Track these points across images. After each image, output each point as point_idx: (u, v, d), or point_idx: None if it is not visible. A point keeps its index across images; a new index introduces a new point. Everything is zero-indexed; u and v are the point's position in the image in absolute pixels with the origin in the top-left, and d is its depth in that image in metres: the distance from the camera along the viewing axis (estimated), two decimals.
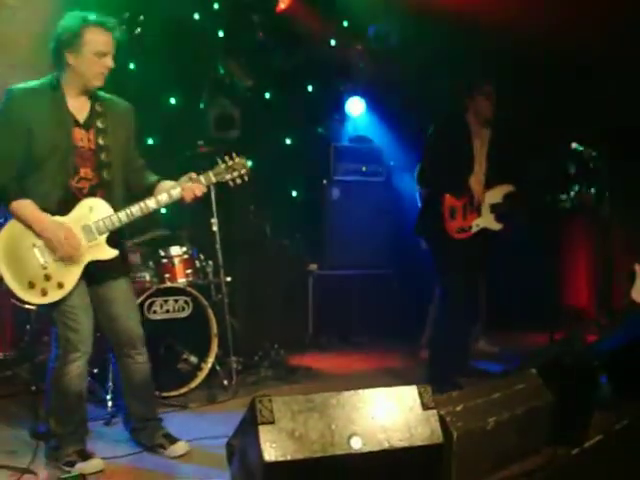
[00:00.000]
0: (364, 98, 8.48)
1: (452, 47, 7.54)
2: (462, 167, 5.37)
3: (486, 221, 5.45)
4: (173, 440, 4.05)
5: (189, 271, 5.54)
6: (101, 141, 3.83)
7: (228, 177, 4.03)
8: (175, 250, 5.57)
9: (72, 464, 3.72)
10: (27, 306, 3.64)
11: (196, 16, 7.36)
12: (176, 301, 5.31)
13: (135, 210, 3.81)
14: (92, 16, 3.70)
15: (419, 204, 6.12)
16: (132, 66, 6.66)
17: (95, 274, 3.81)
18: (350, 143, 8.27)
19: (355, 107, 8.49)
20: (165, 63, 6.92)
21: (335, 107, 8.43)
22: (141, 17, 6.65)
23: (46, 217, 3.63)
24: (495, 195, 5.49)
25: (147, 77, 6.70)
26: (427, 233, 5.48)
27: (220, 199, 5.61)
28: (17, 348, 5.50)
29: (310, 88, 8.18)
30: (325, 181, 7.99)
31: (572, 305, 8.44)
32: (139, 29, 6.67)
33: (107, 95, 3.96)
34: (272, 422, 2.93)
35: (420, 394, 3.22)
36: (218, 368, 5.51)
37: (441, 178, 5.33)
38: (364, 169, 8.14)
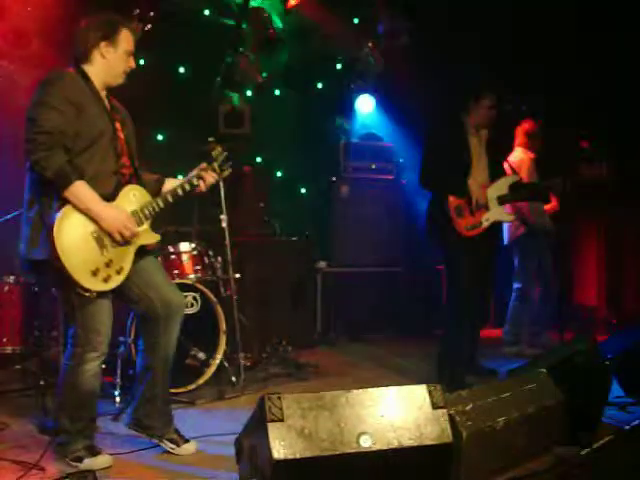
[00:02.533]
0: (374, 96, 8.46)
1: (461, 46, 7.53)
2: (460, 167, 5.36)
3: (496, 214, 5.43)
4: (186, 440, 4.01)
5: (198, 267, 5.53)
6: (126, 132, 3.91)
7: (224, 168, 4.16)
8: (184, 246, 5.56)
9: (80, 460, 3.71)
10: (87, 294, 3.54)
11: (206, 12, 7.37)
12: (185, 297, 5.29)
13: (170, 197, 3.91)
14: (116, 17, 3.87)
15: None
16: (142, 62, 6.66)
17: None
18: (359, 140, 8.27)
19: (365, 104, 8.48)
20: (175, 59, 6.92)
21: (345, 104, 8.42)
22: (152, 13, 6.65)
23: (101, 200, 3.62)
24: (500, 187, 5.48)
25: (157, 73, 6.71)
26: (436, 234, 5.46)
27: (229, 196, 5.61)
28: (26, 343, 5.51)
29: (320, 85, 8.17)
30: (334, 178, 7.99)
31: (582, 304, 8.42)
32: (150, 25, 6.67)
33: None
34: (281, 420, 2.92)
35: (430, 393, 3.21)
36: (226, 365, 5.50)
37: (442, 179, 5.32)
38: (373, 166, 8.15)
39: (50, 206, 3.57)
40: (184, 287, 5.32)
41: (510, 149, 6.78)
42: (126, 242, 3.68)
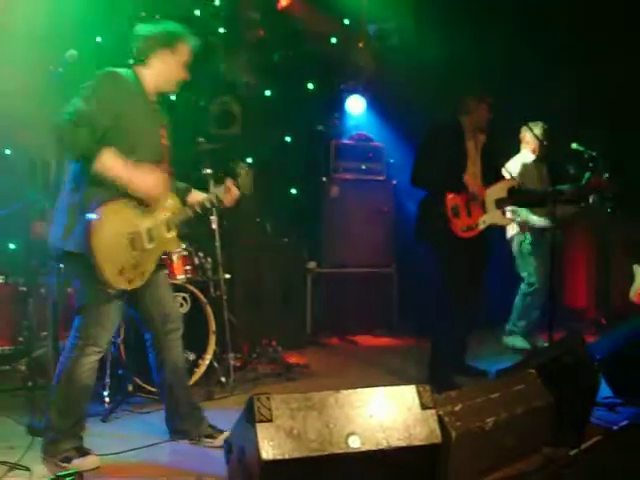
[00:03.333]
0: (364, 96, 8.46)
1: (455, 46, 7.54)
2: (456, 167, 5.37)
3: (493, 217, 5.45)
4: (220, 430, 4.13)
5: (188, 268, 5.52)
6: (169, 140, 4.04)
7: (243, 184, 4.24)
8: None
9: (69, 460, 3.71)
10: (110, 290, 3.66)
11: (197, 12, 7.35)
12: (174, 297, 5.29)
13: (198, 208, 4.05)
14: (184, 28, 4.00)
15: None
16: (132, 62, 6.64)
17: None
18: (350, 141, 8.26)
19: (355, 105, 8.47)
20: None
21: (335, 105, 8.42)
22: (142, 14, 6.64)
23: (130, 166, 3.67)
24: (499, 190, 5.49)
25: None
26: (430, 236, 5.45)
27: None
28: (15, 343, 5.49)
29: (311, 86, 8.17)
30: (325, 179, 7.99)
31: (571, 305, 8.43)
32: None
33: None
34: (270, 420, 2.92)
35: (419, 393, 3.22)
36: (216, 365, 5.50)
37: (439, 179, 5.32)
38: (364, 167, 8.15)
39: (90, 201, 3.63)
40: (174, 287, 5.30)
41: (506, 154, 6.78)
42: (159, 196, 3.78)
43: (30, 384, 4.98)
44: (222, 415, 4.48)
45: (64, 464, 3.70)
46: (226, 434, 4.00)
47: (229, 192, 4.13)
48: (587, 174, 6.17)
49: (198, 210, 4.04)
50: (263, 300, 7.11)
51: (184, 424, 4.18)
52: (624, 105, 7.48)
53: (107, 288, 3.65)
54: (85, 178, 3.66)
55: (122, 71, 3.85)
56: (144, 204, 3.80)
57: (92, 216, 3.57)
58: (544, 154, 6.81)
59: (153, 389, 4.95)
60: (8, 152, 6.22)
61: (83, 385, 3.80)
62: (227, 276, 5.73)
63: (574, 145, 6.29)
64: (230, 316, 5.66)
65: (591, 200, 6.86)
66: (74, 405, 3.82)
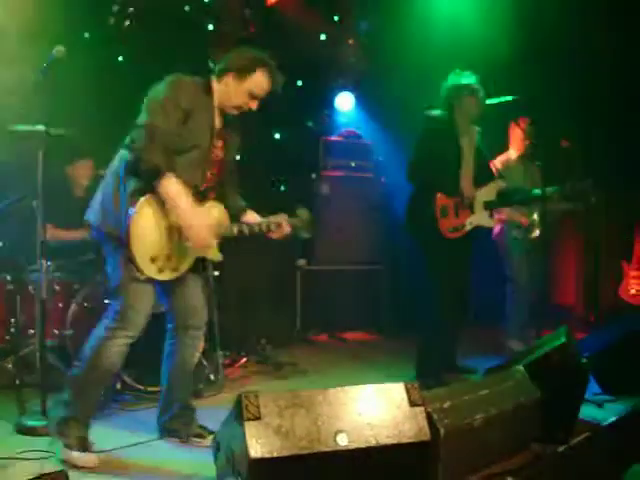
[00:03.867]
0: (354, 93, 8.46)
1: (443, 43, 7.53)
2: (451, 166, 5.36)
3: (479, 218, 5.45)
4: (210, 431, 4.12)
5: None
6: (227, 153, 4.10)
7: (299, 225, 4.29)
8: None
9: (70, 448, 3.74)
10: (138, 275, 3.70)
11: (186, 8, 7.32)
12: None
13: (244, 229, 4.07)
14: (269, 59, 3.99)
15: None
16: (121, 59, 6.62)
17: None
18: (339, 138, 8.25)
19: (345, 102, 8.47)
20: (154, 56, 6.87)
21: (325, 102, 8.41)
22: (130, 9, 6.61)
23: (190, 200, 3.73)
24: (488, 192, 5.50)
25: (136, 70, 6.66)
26: (417, 231, 5.46)
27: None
28: (2, 341, 5.45)
29: (300, 82, 8.15)
30: (314, 176, 7.98)
31: (560, 303, 8.46)
32: (128, 22, 6.64)
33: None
34: (258, 418, 2.91)
35: (407, 391, 3.22)
36: (205, 363, 5.48)
37: (432, 177, 5.31)
38: (353, 164, 8.15)
39: (136, 191, 3.68)
40: None
41: (497, 150, 6.78)
42: (201, 245, 3.80)
43: (17, 382, 4.96)
44: (211, 413, 4.46)
45: (65, 450, 3.74)
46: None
47: (280, 227, 4.15)
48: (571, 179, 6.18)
49: (245, 231, 4.06)
50: (252, 297, 7.10)
51: (174, 423, 4.19)
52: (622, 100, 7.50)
53: (137, 272, 3.70)
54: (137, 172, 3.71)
55: (190, 79, 3.90)
56: (195, 202, 3.85)
57: (137, 204, 3.65)
58: (530, 152, 6.81)
59: (141, 387, 4.94)
60: None
61: (108, 367, 3.81)
62: (216, 273, 5.72)
63: (564, 144, 6.29)
64: (219, 314, 5.65)
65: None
66: (95, 386, 3.86)
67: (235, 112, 4.01)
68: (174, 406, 4.20)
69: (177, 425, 4.18)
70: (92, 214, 3.85)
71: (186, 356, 4.16)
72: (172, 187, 3.64)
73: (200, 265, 4.08)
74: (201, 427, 4.20)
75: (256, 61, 3.94)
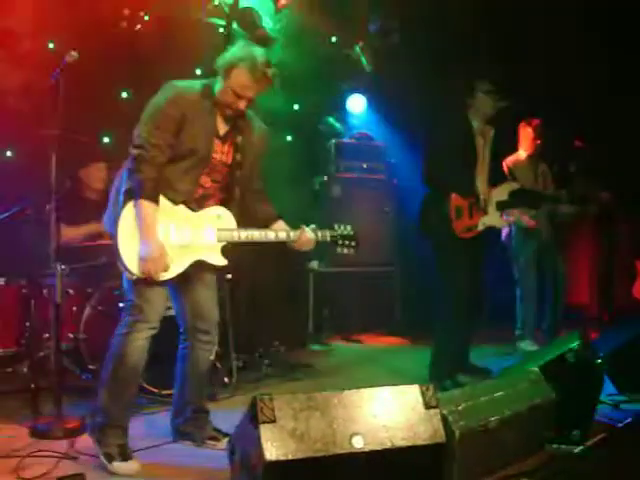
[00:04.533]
0: (365, 95, 8.45)
1: (454, 44, 7.53)
2: (466, 166, 5.35)
3: (492, 219, 5.44)
4: (225, 434, 4.10)
5: None
6: (238, 157, 4.00)
7: (340, 243, 4.34)
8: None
9: (111, 458, 3.73)
10: (130, 275, 3.74)
11: (197, 13, 7.32)
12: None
13: (255, 235, 4.01)
14: (253, 56, 3.81)
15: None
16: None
17: None
18: (351, 140, 8.25)
19: (356, 104, 8.47)
20: (165, 58, 6.88)
21: (336, 104, 8.41)
22: (141, 14, 6.63)
23: (156, 231, 3.72)
24: (501, 192, 5.48)
25: (148, 72, 6.68)
26: (432, 232, 5.45)
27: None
28: (18, 345, 5.47)
29: (311, 85, 8.14)
30: (326, 178, 7.98)
31: (574, 303, 8.42)
32: (139, 26, 6.65)
33: (253, 115, 4.13)
34: (273, 421, 2.92)
35: (422, 393, 3.22)
36: (219, 366, 5.48)
37: (447, 178, 5.30)
38: (365, 166, 8.14)
39: (124, 196, 3.72)
40: None
41: (510, 150, 6.78)
42: (148, 275, 3.73)
43: (32, 386, 4.96)
44: (225, 416, 4.46)
45: (106, 461, 3.73)
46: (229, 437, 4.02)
47: (302, 237, 4.15)
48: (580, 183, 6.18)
49: (272, 238, 4.05)
50: (265, 300, 7.09)
51: (188, 426, 4.19)
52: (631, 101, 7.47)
53: (128, 272, 3.71)
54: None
55: (194, 84, 3.90)
56: (189, 206, 3.87)
57: (124, 206, 3.71)
58: (539, 152, 6.80)
59: (156, 390, 4.95)
60: (9, 154, 6.21)
61: (133, 364, 3.82)
62: (229, 276, 5.72)
63: (577, 144, 6.27)
64: (232, 316, 5.65)
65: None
66: (124, 386, 3.85)
67: (230, 112, 3.90)
68: (187, 409, 4.20)
69: (191, 428, 4.17)
70: (105, 215, 3.91)
71: (198, 359, 4.15)
72: (143, 213, 3.67)
73: (208, 267, 4.02)
74: (215, 430, 4.19)
75: (234, 59, 3.83)
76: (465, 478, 3.33)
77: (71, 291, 5.40)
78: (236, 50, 3.86)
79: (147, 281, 3.76)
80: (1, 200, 5.49)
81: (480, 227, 5.38)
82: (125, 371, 3.83)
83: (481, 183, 5.41)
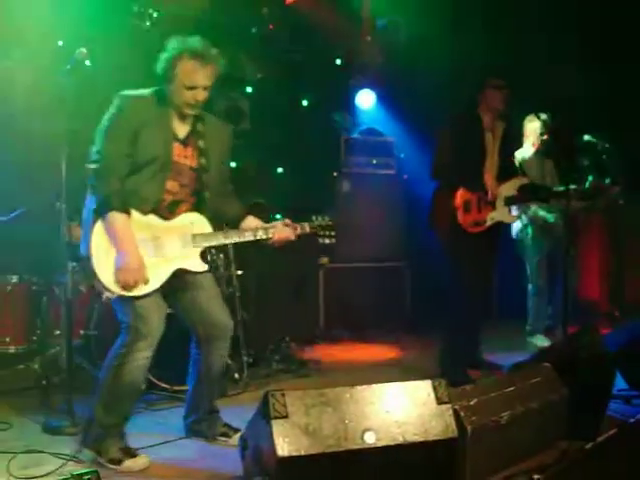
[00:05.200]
0: (374, 90, 8.44)
1: (461, 39, 7.51)
2: (475, 161, 5.34)
3: (501, 214, 5.43)
4: (236, 429, 4.10)
5: None
6: (203, 161, 3.92)
7: (320, 234, 4.25)
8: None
9: (119, 462, 3.70)
10: (110, 295, 3.75)
11: (205, 9, 7.33)
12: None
13: (233, 236, 3.99)
14: (189, 45, 3.72)
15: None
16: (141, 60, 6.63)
17: None
18: (360, 136, 8.25)
19: (365, 99, 8.46)
20: None
21: (345, 99, 8.40)
22: (150, 10, 6.63)
23: (134, 242, 3.67)
24: (510, 187, 5.47)
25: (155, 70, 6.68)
26: (440, 227, 5.44)
27: None
28: (29, 342, 5.50)
29: (319, 81, 8.14)
30: (335, 173, 7.97)
31: (585, 298, 8.40)
32: (148, 23, 6.66)
33: (211, 116, 4.07)
34: (285, 417, 2.92)
35: (434, 388, 3.22)
36: (229, 361, 5.48)
37: (455, 172, 5.29)
38: (374, 162, 8.14)
39: (94, 214, 3.68)
40: None
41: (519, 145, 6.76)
42: (126, 287, 3.66)
43: (44, 383, 4.99)
44: (236, 412, 4.48)
45: (114, 466, 3.69)
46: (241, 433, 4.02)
47: (279, 231, 4.08)
48: (590, 177, 6.16)
49: (236, 239, 3.99)
50: (275, 296, 7.10)
51: (200, 425, 4.19)
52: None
53: (106, 291, 3.68)
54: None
55: (145, 92, 3.83)
56: (160, 214, 3.81)
57: (94, 225, 3.66)
58: (545, 148, 6.78)
59: (167, 386, 4.95)
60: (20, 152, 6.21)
61: (131, 382, 3.77)
62: (239, 272, 5.73)
63: (586, 137, 6.23)
64: (243, 312, 5.66)
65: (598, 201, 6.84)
66: (120, 402, 3.80)
67: (190, 110, 3.80)
68: (200, 410, 4.19)
69: (203, 427, 4.18)
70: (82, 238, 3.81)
71: (212, 365, 4.08)
72: (115, 226, 3.62)
73: (201, 277, 3.97)
74: (226, 426, 4.18)
75: (173, 53, 3.72)
76: (477, 473, 3.32)
77: (82, 288, 5.42)
78: (170, 47, 3.75)
79: (137, 298, 3.68)
80: (12, 198, 5.50)
81: (489, 222, 5.37)
82: (124, 388, 3.77)
83: (490, 178, 5.40)
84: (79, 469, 3.47)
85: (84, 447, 3.81)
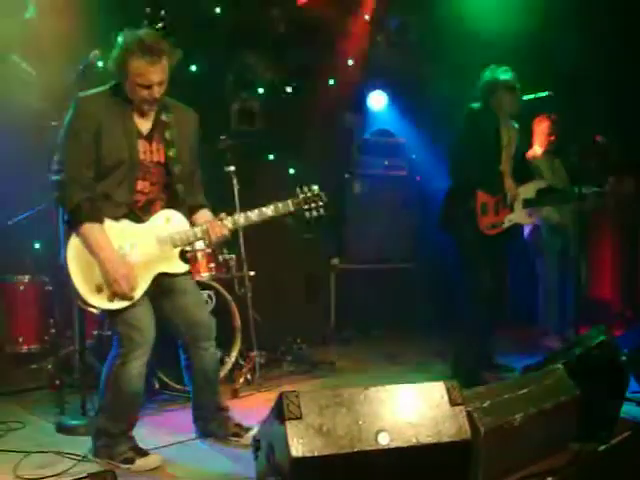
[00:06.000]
0: (386, 92, 8.44)
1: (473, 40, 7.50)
2: (491, 162, 5.32)
3: (518, 216, 5.43)
4: (247, 428, 4.09)
5: (212, 265, 5.50)
6: (172, 153, 3.81)
7: (306, 208, 4.01)
8: (199, 244, 5.54)
9: (132, 461, 3.69)
10: (92, 309, 3.67)
11: (217, 10, 7.35)
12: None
13: (199, 233, 3.85)
14: (139, 41, 3.57)
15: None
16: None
17: None
18: (372, 137, 8.24)
19: (377, 101, 8.46)
20: (186, 58, 6.90)
21: (357, 101, 8.40)
22: (162, 12, 6.64)
23: (113, 249, 3.60)
24: (528, 190, 5.47)
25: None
26: (455, 229, 5.43)
27: (243, 193, 5.62)
28: (42, 342, 5.52)
29: (332, 82, 8.15)
30: (347, 175, 7.97)
31: (597, 299, 8.38)
32: (160, 24, 6.67)
33: (174, 102, 3.93)
34: (299, 417, 2.92)
35: (448, 390, 3.21)
36: (242, 362, 5.51)
37: (474, 174, 5.28)
38: (386, 163, 8.14)
39: (66, 226, 3.62)
40: (199, 285, 5.31)
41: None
42: (122, 295, 3.60)
43: (57, 383, 5.00)
44: (248, 412, 4.49)
45: (126, 465, 3.68)
46: (253, 432, 3.97)
47: (210, 230, 3.85)
48: (609, 180, 6.13)
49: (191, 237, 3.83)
50: (287, 297, 7.11)
51: (210, 425, 4.17)
52: None
53: (87, 307, 3.62)
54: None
55: (103, 89, 3.72)
56: (134, 217, 3.72)
57: (68, 238, 3.59)
58: (553, 148, 6.76)
59: (179, 386, 4.96)
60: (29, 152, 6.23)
61: (131, 391, 3.73)
62: (251, 273, 5.74)
63: (600, 139, 6.21)
64: (255, 313, 5.67)
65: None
66: (125, 411, 3.77)
67: (148, 106, 3.69)
68: (205, 411, 4.16)
69: (213, 427, 4.16)
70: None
71: (204, 366, 4.04)
72: (87, 236, 3.55)
73: (175, 274, 3.88)
74: (237, 425, 4.16)
75: (120, 50, 3.59)
76: (490, 475, 3.32)
77: None
78: (120, 42, 3.61)
79: (127, 307, 3.63)
80: (23, 199, 5.52)
81: (506, 224, 5.37)
82: (125, 399, 3.74)
83: (507, 180, 5.39)
84: (95, 469, 3.50)
85: (95, 457, 3.77)
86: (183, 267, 3.86)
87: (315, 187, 4.04)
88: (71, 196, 3.54)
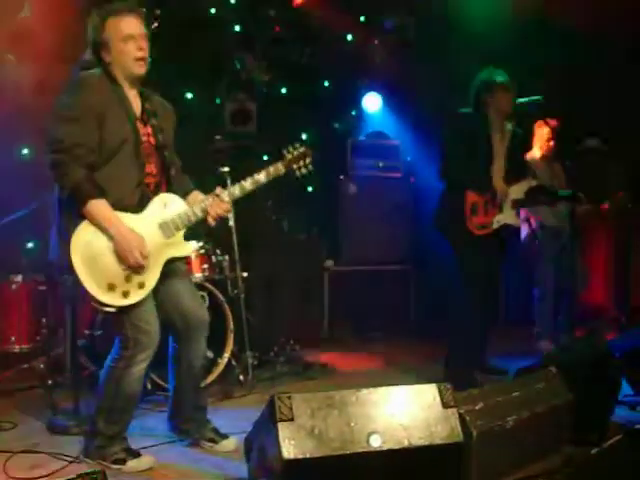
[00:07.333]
0: (381, 94, 8.45)
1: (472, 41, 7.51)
2: (482, 162, 5.32)
3: (507, 217, 5.40)
4: (224, 435, 4.03)
5: (205, 266, 5.52)
6: (161, 138, 3.79)
7: (294, 167, 4.01)
8: (193, 244, 5.54)
9: (123, 462, 3.67)
10: (106, 309, 3.54)
11: (213, 10, 7.35)
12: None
13: (199, 212, 3.81)
14: (109, 8, 3.62)
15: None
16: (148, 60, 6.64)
17: None
18: (367, 139, 8.25)
19: (372, 102, 8.46)
20: (181, 57, 6.90)
21: (352, 102, 8.40)
22: (158, 11, 6.64)
23: (122, 222, 3.54)
24: (518, 190, 5.45)
25: (163, 72, 6.68)
26: (447, 229, 5.43)
27: None
28: (34, 342, 5.51)
29: (327, 83, 8.15)
30: (342, 176, 7.98)
31: (590, 303, 8.39)
32: (156, 23, 6.66)
33: (154, 94, 3.92)
34: (291, 419, 2.91)
35: (440, 392, 3.20)
36: (234, 363, 5.49)
37: (463, 174, 5.28)
38: (381, 165, 8.14)
39: (72, 219, 3.52)
40: None
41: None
42: (137, 267, 3.56)
43: (49, 382, 4.99)
44: (240, 414, 4.48)
45: (116, 466, 3.65)
46: (231, 440, 3.99)
47: (209, 208, 3.82)
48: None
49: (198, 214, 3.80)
50: (280, 298, 7.11)
51: (186, 425, 4.08)
52: None
53: (102, 307, 3.53)
54: (65, 199, 3.55)
55: (97, 71, 3.66)
56: (131, 210, 3.64)
57: (73, 233, 3.50)
58: (552, 152, 6.77)
59: None
60: (25, 151, 6.22)
61: (130, 394, 3.71)
62: (245, 274, 5.72)
63: (593, 142, 6.22)
64: (248, 314, 5.66)
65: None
66: (121, 413, 3.74)
67: (141, 70, 3.66)
68: (185, 408, 4.06)
69: (189, 428, 4.06)
70: (51, 248, 3.69)
71: (192, 359, 3.96)
72: (95, 211, 3.47)
73: (179, 264, 3.88)
74: (214, 431, 4.06)
75: (97, 17, 3.60)
76: (482, 478, 3.31)
77: None
78: (94, 12, 3.64)
79: (135, 307, 3.58)
80: (18, 198, 5.51)
81: (495, 225, 5.35)
82: (122, 401, 3.71)
83: (497, 180, 5.38)
84: (85, 469, 3.48)
85: (87, 458, 3.73)
86: (190, 248, 3.88)
87: (298, 145, 4.04)
88: (70, 175, 3.45)
